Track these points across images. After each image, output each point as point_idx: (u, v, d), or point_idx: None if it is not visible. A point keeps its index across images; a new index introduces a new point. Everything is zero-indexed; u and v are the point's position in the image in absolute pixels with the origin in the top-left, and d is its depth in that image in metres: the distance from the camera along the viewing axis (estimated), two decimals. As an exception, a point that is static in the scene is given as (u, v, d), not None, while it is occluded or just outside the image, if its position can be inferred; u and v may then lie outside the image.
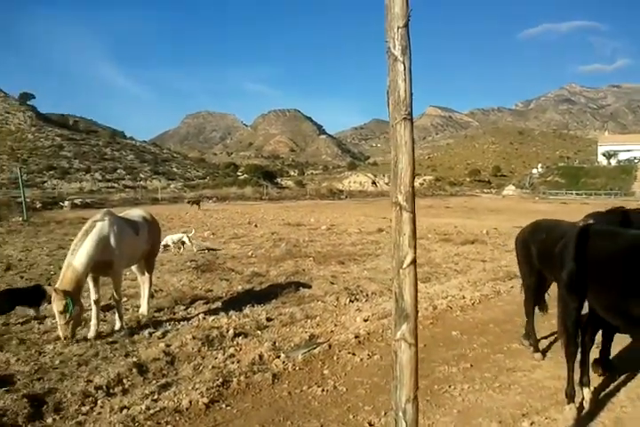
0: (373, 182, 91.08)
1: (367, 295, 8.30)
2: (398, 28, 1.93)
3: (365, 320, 6.66)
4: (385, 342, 5.87)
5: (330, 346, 5.66)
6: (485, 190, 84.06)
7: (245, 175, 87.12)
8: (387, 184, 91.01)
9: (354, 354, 5.46)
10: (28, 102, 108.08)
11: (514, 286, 8.42)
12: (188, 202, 36.45)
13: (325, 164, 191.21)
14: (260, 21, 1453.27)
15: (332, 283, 9.19)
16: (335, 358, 5.39)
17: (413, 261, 2.05)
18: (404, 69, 1.95)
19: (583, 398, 4.16)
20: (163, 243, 12.66)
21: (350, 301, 7.84)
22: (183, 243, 13.53)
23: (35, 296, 6.89)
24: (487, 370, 5.05)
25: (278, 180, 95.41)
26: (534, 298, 5.50)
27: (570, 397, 4.04)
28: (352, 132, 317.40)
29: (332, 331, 6.24)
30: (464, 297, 8.07)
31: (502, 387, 4.62)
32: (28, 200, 27.25)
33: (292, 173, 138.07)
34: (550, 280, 5.23)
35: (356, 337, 5.95)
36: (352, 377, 4.91)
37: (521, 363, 5.22)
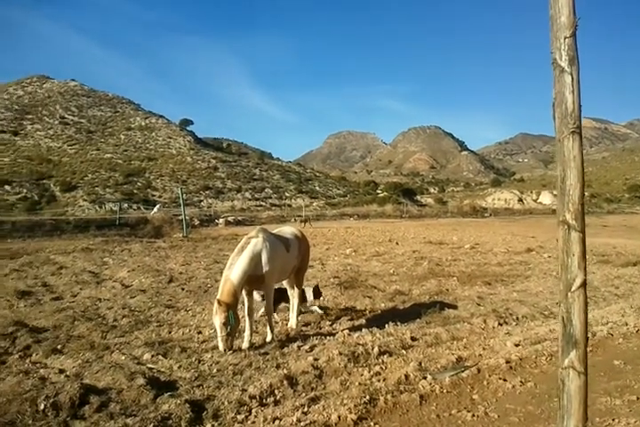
0: (520, 199, 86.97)
1: (517, 319, 7.88)
2: (565, 39, 1.84)
3: (516, 345, 6.32)
4: (539, 368, 5.53)
5: (479, 370, 5.43)
6: (647, 208, 76.55)
7: (385, 193, 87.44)
8: (534, 201, 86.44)
9: (505, 380, 5.19)
10: (188, 128, 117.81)
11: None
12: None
13: (467, 180, 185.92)
14: (397, 40, 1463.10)
15: (479, 304, 8.86)
16: (485, 382, 5.16)
17: (583, 284, 1.92)
18: (572, 81, 1.85)
19: None
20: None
21: (499, 324, 7.50)
22: None
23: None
24: (657, 405, 4.55)
25: (418, 197, 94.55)
26: None
27: None
28: (496, 148, 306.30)
29: (480, 354, 5.99)
30: (627, 324, 7.36)
31: (678, 426, 4.12)
32: (187, 218, 29.48)
33: (433, 191, 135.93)
34: None
35: (507, 362, 5.65)
36: (504, 404, 4.66)
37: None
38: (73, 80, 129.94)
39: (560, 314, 1.97)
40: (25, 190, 63.21)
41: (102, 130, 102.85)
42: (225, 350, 5.90)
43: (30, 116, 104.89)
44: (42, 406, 4.51)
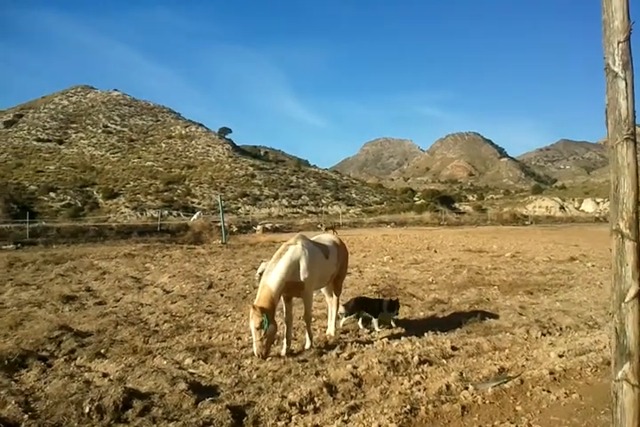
0: (562, 207, 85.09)
1: (561, 329, 7.70)
2: (619, 43, 1.80)
3: (560, 356, 6.17)
4: (584, 380, 5.39)
5: (522, 381, 5.32)
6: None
7: (422, 200, 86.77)
8: (577, 209, 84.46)
9: (549, 391, 5.07)
10: (226, 136, 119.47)
11: None
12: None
13: (507, 188, 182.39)
14: (435, 47, 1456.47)
15: (521, 314, 8.69)
16: (528, 394, 5.05)
17: (637, 295, 1.86)
18: (626, 86, 1.81)
19: None
20: (259, 271, 12.80)
21: (542, 334, 7.34)
22: None
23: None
24: None
25: (456, 205, 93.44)
26: None
27: None
28: (537, 154, 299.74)
29: (523, 365, 5.87)
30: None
31: None
32: (225, 225, 29.84)
33: (471, 198, 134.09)
34: None
35: (551, 373, 5.52)
36: (548, 416, 4.55)
37: None
38: (116, 90, 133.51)
39: (613, 325, 1.93)
40: (69, 197, 64.99)
41: (144, 138, 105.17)
42: (259, 355, 5.90)
43: (74, 125, 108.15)
44: (87, 409, 4.61)
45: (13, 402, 4.81)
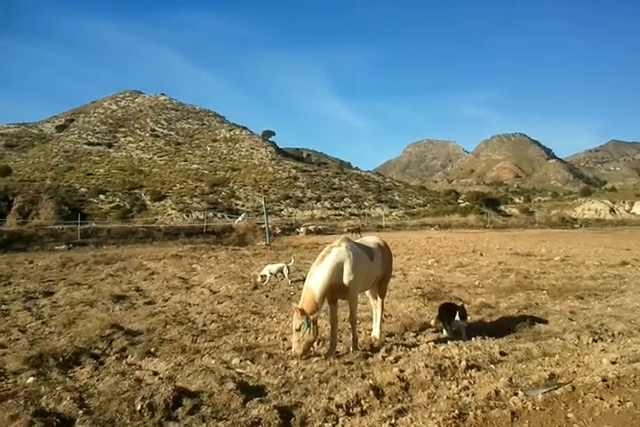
0: (612, 210, 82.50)
1: (613, 335, 7.45)
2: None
3: (613, 362, 5.96)
4: (638, 388, 5.20)
5: (573, 388, 5.17)
6: None
7: (467, 203, 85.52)
8: (627, 212, 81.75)
9: (602, 399, 4.91)
10: (270, 139, 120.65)
11: None
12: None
13: (555, 190, 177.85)
14: (481, 47, 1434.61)
15: (571, 319, 8.45)
16: (580, 401, 4.90)
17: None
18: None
19: None
20: (261, 273, 12.77)
21: (594, 340, 7.11)
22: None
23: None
24: None
25: (502, 207, 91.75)
26: None
27: None
28: (586, 155, 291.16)
29: (574, 371, 5.71)
30: None
31: None
32: (269, 226, 30.11)
33: (518, 201, 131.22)
34: None
35: (604, 380, 5.35)
36: (601, 424, 4.41)
37: None
38: (163, 94, 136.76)
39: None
40: (118, 199, 66.83)
41: (190, 142, 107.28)
42: (296, 355, 5.96)
43: (123, 129, 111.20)
44: (138, 407, 4.73)
45: (69, 398, 4.99)
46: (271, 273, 12.91)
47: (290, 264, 13.73)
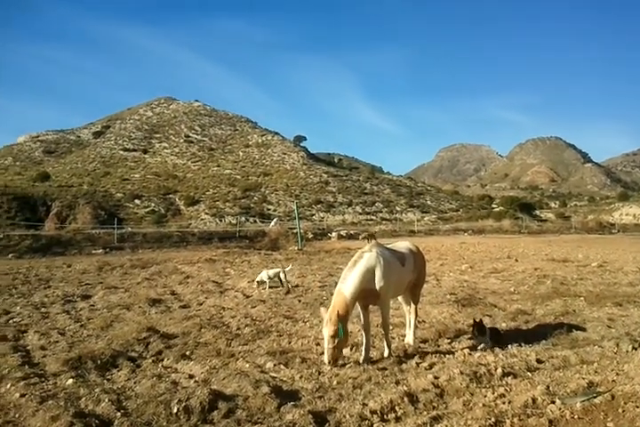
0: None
1: (655, 343, 7.27)
2: None
3: (656, 371, 5.83)
4: (683, 399, 5.06)
5: (613, 396, 5.06)
6: None
7: (501, 207, 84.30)
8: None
9: (643, 409, 4.80)
10: (301, 144, 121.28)
11: None
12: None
13: (591, 194, 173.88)
14: (514, 50, 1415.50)
15: (610, 327, 8.25)
16: (620, 410, 4.79)
17: None
18: None
19: None
20: (257, 279, 12.55)
21: (633, 348, 6.92)
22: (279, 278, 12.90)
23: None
24: None
25: (537, 212, 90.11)
26: None
27: None
28: (623, 159, 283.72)
29: (613, 380, 5.57)
30: None
31: None
32: (301, 231, 30.20)
33: (553, 205, 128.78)
34: None
35: (646, 390, 5.23)
36: (642, 435, 4.32)
37: None
38: (196, 101, 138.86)
39: None
40: (153, 204, 67.95)
41: (222, 147, 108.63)
42: (329, 362, 5.89)
43: (158, 135, 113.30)
44: (175, 410, 4.80)
45: (107, 400, 5.09)
46: (270, 278, 12.71)
47: (287, 269, 13.63)
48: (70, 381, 5.72)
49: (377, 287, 6.33)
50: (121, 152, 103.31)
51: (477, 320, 7.22)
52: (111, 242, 28.24)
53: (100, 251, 25.78)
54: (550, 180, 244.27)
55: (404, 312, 7.84)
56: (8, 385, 5.57)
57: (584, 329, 8.08)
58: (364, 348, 6.44)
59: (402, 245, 7.76)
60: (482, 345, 6.98)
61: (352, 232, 40.97)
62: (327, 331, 5.84)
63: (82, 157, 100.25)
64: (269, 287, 12.60)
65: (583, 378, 5.58)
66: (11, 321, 9.21)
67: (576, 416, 4.64)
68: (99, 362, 6.42)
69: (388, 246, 7.32)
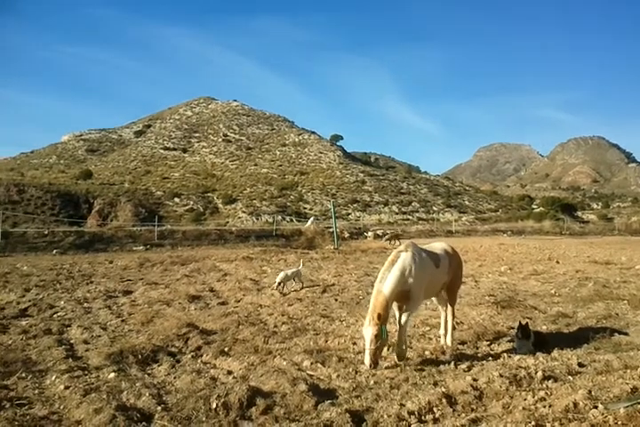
0: (700, 217, 77.41)
1: (700, 349, 7.04)
2: None
3: (701, 378, 5.64)
4: None
5: (658, 403, 4.93)
6: None
7: (542, 208, 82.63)
8: None
9: (688, 417, 4.66)
10: (337, 143, 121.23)
11: None
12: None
13: (635, 195, 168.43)
14: (556, 47, 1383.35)
15: (655, 331, 8.04)
16: (666, 418, 4.67)
17: None
18: None
19: None
20: (277, 280, 12.15)
21: (679, 353, 6.75)
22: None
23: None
24: None
25: (579, 213, 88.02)
26: None
27: None
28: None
29: (658, 386, 5.44)
30: None
31: None
32: (337, 230, 30.17)
33: (595, 206, 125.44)
34: None
35: (690, 397, 5.07)
36: (689, 443, 4.19)
37: None
38: (235, 100, 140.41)
39: None
40: (192, 202, 69.00)
41: (260, 146, 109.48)
42: (370, 365, 5.73)
43: (197, 135, 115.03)
44: (214, 405, 4.88)
45: (147, 394, 5.21)
46: (288, 279, 12.45)
47: (300, 268, 13.48)
48: (112, 374, 5.86)
49: (409, 288, 6.28)
50: (161, 151, 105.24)
51: (523, 323, 7.06)
52: (151, 239, 28.73)
53: (141, 247, 26.28)
54: (592, 180, 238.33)
55: (440, 313, 7.78)
56: (53, 377, 5.75)
57: (627, 333, 7.87)
58: (400, 348, 6.38)
59: (437, 245, 7.69)
60: (523, 349, 6.81)
61: (388, 232, 40.79)
62: (370, 331, 5.70)
63: (123, 156, 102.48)
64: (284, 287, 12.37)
65: (627, 383, 5.44)
66: (55, 315, 9.48)
67: (619, 422, 4.53)
68: (139, 357, 6.57)
69: (424, 247, 7.26)
